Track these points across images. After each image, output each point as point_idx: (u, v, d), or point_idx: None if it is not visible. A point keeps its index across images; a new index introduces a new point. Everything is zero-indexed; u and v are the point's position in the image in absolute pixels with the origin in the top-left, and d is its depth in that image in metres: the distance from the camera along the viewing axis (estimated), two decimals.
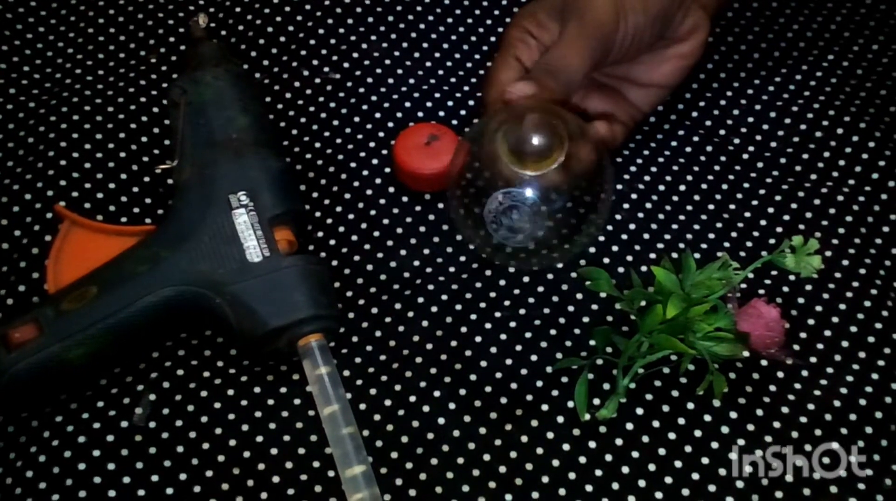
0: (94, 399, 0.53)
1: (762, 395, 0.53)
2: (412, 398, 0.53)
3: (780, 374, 0.54)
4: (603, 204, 0.54)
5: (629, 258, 0.58)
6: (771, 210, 0.60)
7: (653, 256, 0.58)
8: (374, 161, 0.62)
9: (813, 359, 0.55)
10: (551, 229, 0.53)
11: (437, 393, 0.53)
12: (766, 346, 0.51)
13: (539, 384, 0.54)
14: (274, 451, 0.52)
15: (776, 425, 0.52)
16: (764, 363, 0.54)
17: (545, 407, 0.53)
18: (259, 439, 0.52)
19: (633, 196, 0.61)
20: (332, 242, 0.59)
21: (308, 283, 0.52)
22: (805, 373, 0.54)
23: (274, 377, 0.54)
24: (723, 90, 0.66)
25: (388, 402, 0.53)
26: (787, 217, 0.60)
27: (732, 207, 0.61)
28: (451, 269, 0.58)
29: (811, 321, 0.56)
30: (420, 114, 0.64)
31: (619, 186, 0.61)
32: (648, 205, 0.60)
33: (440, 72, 0.66)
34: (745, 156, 0.63)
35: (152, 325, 0.52)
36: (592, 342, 0.55)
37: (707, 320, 0.51)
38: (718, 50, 0.67)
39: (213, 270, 0.52)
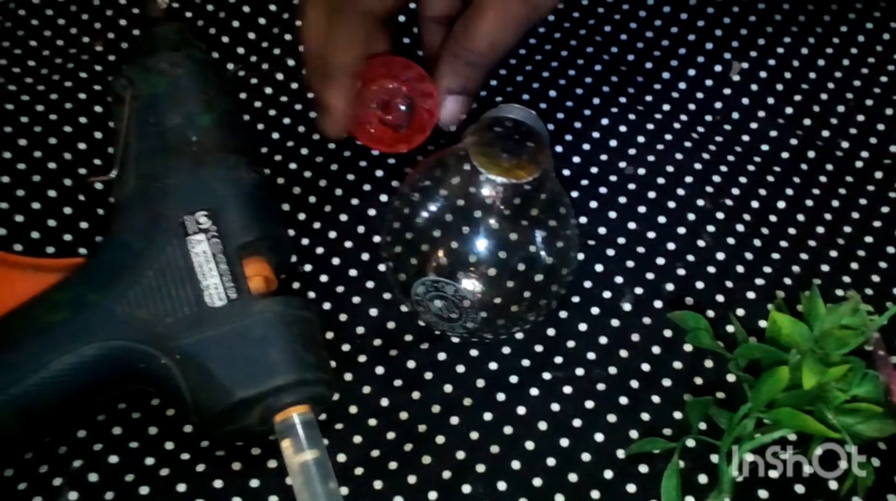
0: None
1: None
2: (432, 496, 0.39)
3: None
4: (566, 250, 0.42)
5: (720, 298, 0.44)
6: None
7: (752, 295, 0.44)
8: (379, 173, 0.48)
9: None
10: (487, 320, 0.42)
11: (466, 489, 0.39)
12: None
13: (608, 475, 0.39)
14: None
15: None
16: None
17: None
18: None
19: (720, 216, 0.47)
20: (324, 278, 0.45)
21: (288, 335, 0.40)
22: None
23: (242, 465, 0.40)
24: (822, 81, 0.52)
25: (398, 499, 0.39)
26: None
27: (847, 229, 0.47)
28: None
29: None
30: None
31: (701, 202, 0.47)
32: (741, 227, 0.46)
33: None
34: (859, 163, 0.49)
35: (72, 395, 0.39)
36: (680, 415, 0.40)
37: (842, 385, 0.37)
38: (807, 43, 0.54)
39: (159, 318, 0.39)
